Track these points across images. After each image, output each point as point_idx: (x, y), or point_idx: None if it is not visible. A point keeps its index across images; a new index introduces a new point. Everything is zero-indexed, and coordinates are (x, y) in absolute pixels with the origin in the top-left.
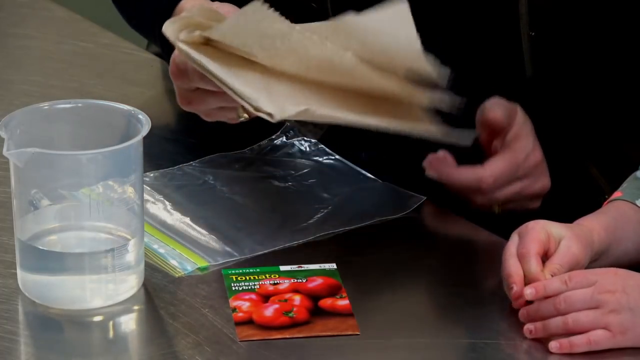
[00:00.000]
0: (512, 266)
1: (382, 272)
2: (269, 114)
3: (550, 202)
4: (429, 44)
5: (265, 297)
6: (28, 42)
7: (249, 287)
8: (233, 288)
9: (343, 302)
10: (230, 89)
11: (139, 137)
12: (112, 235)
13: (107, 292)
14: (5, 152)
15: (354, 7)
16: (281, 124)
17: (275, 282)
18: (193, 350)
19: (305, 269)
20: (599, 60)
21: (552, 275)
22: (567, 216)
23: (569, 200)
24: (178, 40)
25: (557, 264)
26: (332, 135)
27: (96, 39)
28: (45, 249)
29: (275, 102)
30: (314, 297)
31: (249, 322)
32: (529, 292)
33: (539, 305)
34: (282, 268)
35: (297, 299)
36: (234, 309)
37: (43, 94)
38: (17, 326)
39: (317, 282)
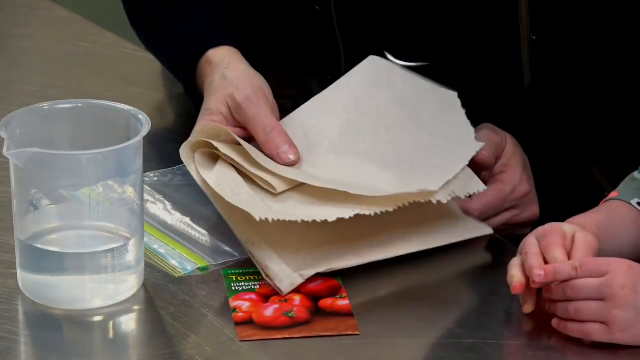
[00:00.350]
0: (534, 260)
1: (382, 272)
2: (279, 289)
3: (551, 200)
4: (429, 49)
5: (266, 297)
6: (28, 42)
7: (249, 287)
8: (233, 288)
9: (343, 302)
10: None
11: (139, 137)
12: (112, 235)
13: (107, 292)
14: (5, 152)
15: (357, 10)
16: None
17: None
18: (193, 350)
19: None
20: (599, 61)
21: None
22: (567, 214)
23: (569, 199)
24: (193, 164)
25: (579, 258)
26: None
27: (96, 39)
28: (45, 248)
29: (285, 271)
30: (314, 297)
31: (249, 322)
32: (537, 273)
33: (553, 286)
34: None
35: (297, 299)
36: (234, 309)
37: (43, 94)
38: (17, 326)
39: (317, 282)
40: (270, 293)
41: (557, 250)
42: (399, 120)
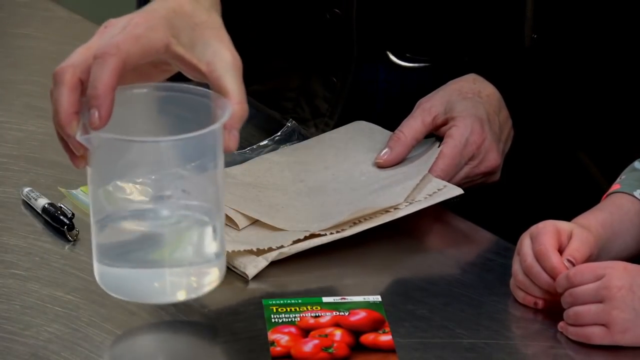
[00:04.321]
0: (535, 267)
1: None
2: (244, 274)
3: (543, 193)
4: (436, 50)
5: (306, 331)
6: (29, 42)
7: (289, 320)
8: (273, 320)
9: (385, 338)
10: None
11: (218, 124)
12: (194, 222)
13: (188, 285)
14: (78, 137)
15: (378, 14)
16: (282, 124)
17: (317, 314)
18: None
19: (349, 301)
20: (599, 60)
21: (568, 261)
22: (556, 201)
23: (557, 184)
24: None
25: (574, 248)
26: None
27: None
28: (121, 229)
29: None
30: (355, 332)
31: (286, 357)
32: (539, 304)
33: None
34: (325, 299)
35: (338, 334)
36: (272, 343)
37: (44, 94)
38: (17, 326)
39: (359, 316)
40: (310, 327)
41: (552, 258)
42: (373, 166)
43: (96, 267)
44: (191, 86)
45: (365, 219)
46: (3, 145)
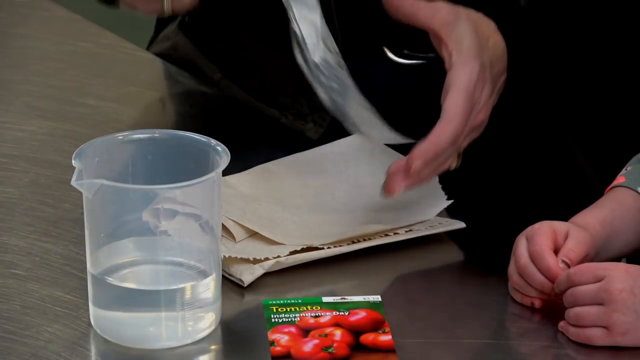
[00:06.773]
0: (529, 267)
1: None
2: (240, 280)
3: (537, 192)
4: (427, 45)
5: (306, 331)
6: (28, 42)
7: (289, 320)
8: (273, 320)
9: (385, 338)
10: None
11: (212, 174)
12: (188, 270)
13: (183, 330)
14: (73, 182)
15: (356, 5)
16: (280, 122)
17: (317, 314)
18: None
19: (349, 301)
20: (590, 46)
21: (563, 262)
22: (550, 201)
23: (552, 184)
24: None
25: (570, 248)
26: (333, 133)
27: (96, 39)
28: (119, 284)
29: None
30: (355, 332)
31: (286, 357)
32: (537, 304)
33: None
34: (325, 299)
35: (337, 333)
36: (272, 342)
37: (43, 94)
38: (17, 326)
39: (359, 316)
40: (310, 327)
41: (547, 259)
42: (374, 189)
43: (91, 310)
44: (190, 134)
45: (364, 239)
46: (3, 145)
